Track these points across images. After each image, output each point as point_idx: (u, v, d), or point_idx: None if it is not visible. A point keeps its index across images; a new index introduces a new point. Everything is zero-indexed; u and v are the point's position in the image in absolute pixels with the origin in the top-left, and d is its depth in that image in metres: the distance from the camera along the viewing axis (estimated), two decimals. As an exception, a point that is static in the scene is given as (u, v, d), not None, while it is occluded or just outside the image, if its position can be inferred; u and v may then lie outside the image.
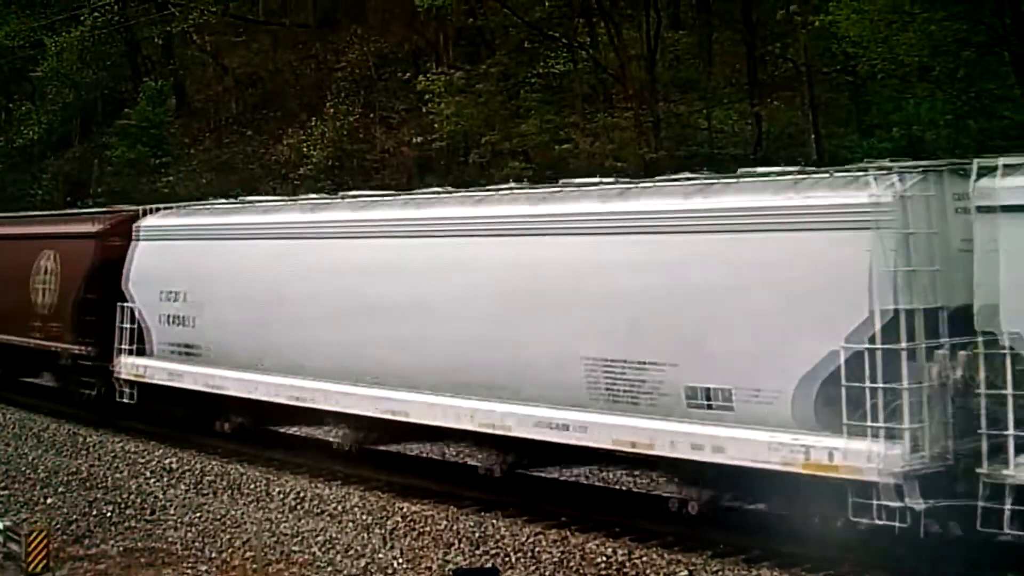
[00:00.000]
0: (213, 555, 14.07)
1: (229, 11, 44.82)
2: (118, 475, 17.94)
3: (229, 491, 16.56)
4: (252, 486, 16.60)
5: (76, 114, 48.27)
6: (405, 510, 14.77)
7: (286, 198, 21.70)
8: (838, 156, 23.74)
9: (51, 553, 13.79)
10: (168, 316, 19.26)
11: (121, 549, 14.66)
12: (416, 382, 14.86)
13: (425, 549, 13.48)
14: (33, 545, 13.66)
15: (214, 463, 18.06)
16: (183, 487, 16.99)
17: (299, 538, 14.21)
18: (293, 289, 16.89)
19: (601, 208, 13.67)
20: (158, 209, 21.24)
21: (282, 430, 19.53)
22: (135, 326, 19.75)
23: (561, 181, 15.20)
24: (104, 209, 24.31)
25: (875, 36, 22.70)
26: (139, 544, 14.77)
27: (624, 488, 16.25)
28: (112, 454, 19.25)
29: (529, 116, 31.23)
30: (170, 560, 14.10)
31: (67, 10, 45.33)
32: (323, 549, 13.79)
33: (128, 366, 19.78)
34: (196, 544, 14.49)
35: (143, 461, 18.60)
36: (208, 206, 21.41)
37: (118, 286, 20.11)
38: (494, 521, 14.13)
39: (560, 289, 13.56)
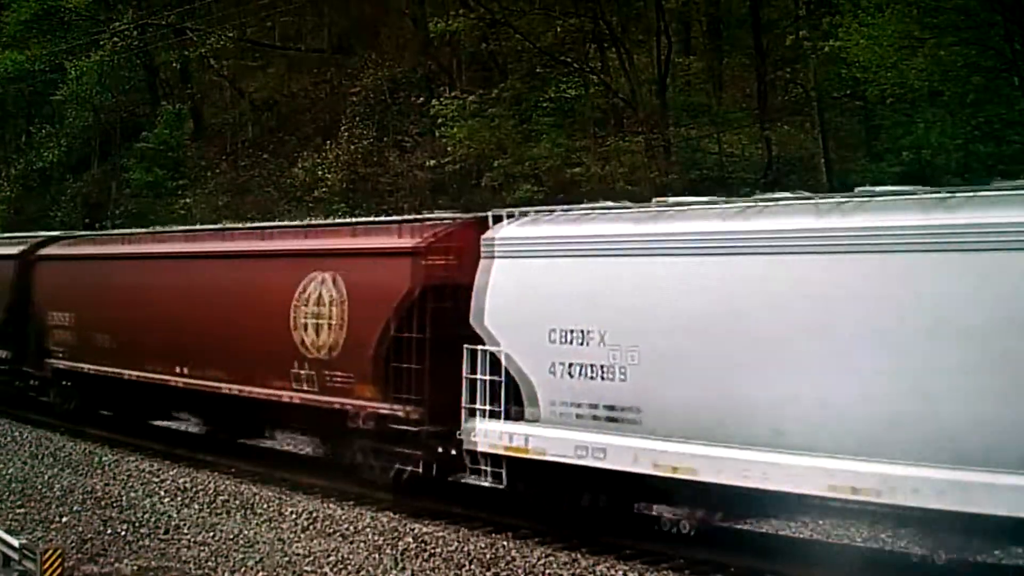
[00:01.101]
0: (226, 574, 14.18)
1: (245, 36, 45.27)
2: (133, 494, 18.07)
3: (242, 511, 16.68)
4: (265, 506, 16.72)
5: (95, 137, 48.71)
6: (416, 531, 14.86)
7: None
8: (848, 181, 23.87)
9: (65, 572, 13.90)
10: (568, 365, 13.46)
11: (135, 568, 14.77)
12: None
13: (436, 570, 13.56)
14: (48, 563, 13.78)
15: (227, 483, 18.19)
16: (196, 506, 17.12)
17: (311, 558, 14.32)
18: (773, 324, 11.76)
19: None
20: (516, 214, 15.06)
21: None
22: (500, 378, 14.13)
23: None
24: (416, 216, 18.33)
25: (884, 61, 22.85)
26: (153, 563, 14.89)
27: (636, 511, 16.33)
28: (127, 473, 19.39)
29: (541, 140, 31.47)
30: (183, 579, 14.24)
31: (87, 35, 45.83)
32: (335, 570, 13.89)
33: (490, 434, 14.14)
34: (209, 563, 14.60)
35: (157, 480, 18.74)
36: (618, 210, 14.39)
37: (453, 321, 14.64)
38: (505, 543, 14.19)
39: None
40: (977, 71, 22.78)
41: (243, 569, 14.24)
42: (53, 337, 23.62)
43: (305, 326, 16.82)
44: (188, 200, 39.61)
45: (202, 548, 15.15)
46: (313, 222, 21.15)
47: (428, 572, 13.53)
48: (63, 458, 21.00)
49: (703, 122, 31.48)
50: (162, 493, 18.04)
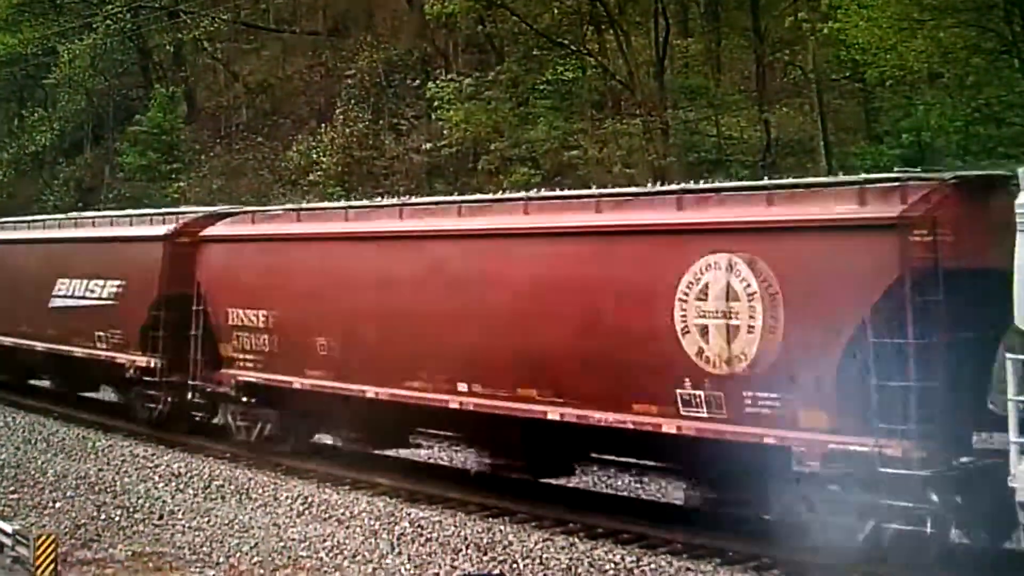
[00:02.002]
0: (221, 560, 14.06)
1: (239, 19, 45.04)
2: (127, 479, 17.96)
3: (237, 496, 16.58)
4: (260, 491, 16.63)
5: (88, 120, 48.51)
6: (413, 515, 14.79)
7: None
8: (847, 163, 23.77)
9: (59, 557, 13.79)
10: None
11: (129, 553, 14.63)
12: None
13: (432, 555, 13.48)
14: (41, 549, 13.66)
15: (222, 468, 18.10)
16: (191, 491, 17.02)
17: (307, 543, 14.22)
18: None
19: None
20: None
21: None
22: None
23: None
24: (877, 177, 12.38)
25: (884, 43, 22.71)
26: (147, 548, 14.75)
27: (632, 495, 16.25)
28: (121, 458, 19.28)
29: (538, 123, 31.33)
30: (178, 565, 14.08)
31: (80, 18, 45.58)
32: (330, 554, 13.80)
33: None
34: (204, 549, 14.48)
35: (152, 465, 18.63)
36: None
37: (964, 319, 11.06)
38: (502, 527, 14.14)
39: None
40: (977, 53, 22.67)
41: (238, 554, 14.13)
42: (235, 342, 18.31)
43: (703, 330, 12.34)
44: (182, 183, 39.43)
45: (197, 533, 15.05)
46: (688, 186, 13.94)
47: (424, 557, 13.44)
48: (56, 443, 20.89)
49: (701, 104, 31.34)
50: (156, 478, 17.94)
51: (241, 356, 18.17)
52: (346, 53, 41.97)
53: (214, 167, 41.80)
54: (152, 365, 20.05)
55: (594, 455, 16.34)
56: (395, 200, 19.10)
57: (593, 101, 33.01)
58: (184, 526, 15.42)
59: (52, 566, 13.53)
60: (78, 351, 22.09)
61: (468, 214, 15.36)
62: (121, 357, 20.84)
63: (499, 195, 16.59)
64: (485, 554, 13.32)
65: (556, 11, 32.01)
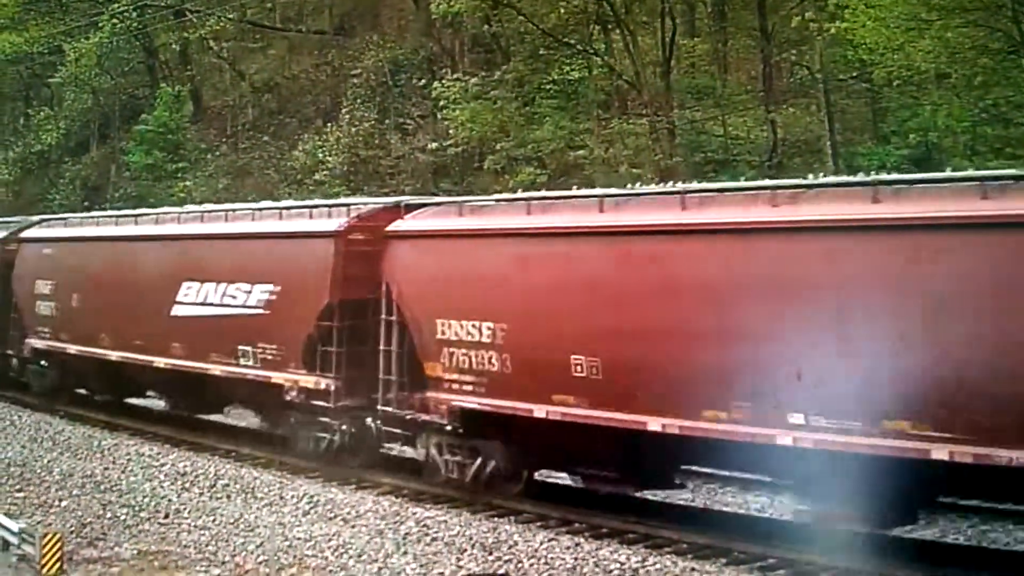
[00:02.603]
0: (226, 559, 14.06)
1: (246, 18, 45.05)
2: (132, 478, 17.96)
3: (243, 495, 16.57)
4: (266, 490, 16.61)
5: (94, 119, 48.54)
6: (418, 515, 14.76)
7: None
8: (854, 163, 23.72)
9: (65, 556, 13.80)
10: None
11: (135, 552, 14.64)
12: None
13: (438, 555, 13.46)
14: (47, 547, 13.68)
15: (228, 467, 18.07)
16: (197, 490, 17.01)
17: (312, 543, 14.21)
18: None
19: None
20: None
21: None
22: None
23: None
24: None
25: (891, 43, 22.69)
26: (153, 547, 14.76)
27: (639, 495, 16.22)
28: (127, 457, 19.27)
29: (544, 122, 31.30)
30: (183, 563, 14.09)
31: (86, 17, 45.60)
32: (336, 554, 13.78)
33: None
34: (209, 548, 14.48)
35: (157, 464, 18.62)
36: None
37: None
38: (507, 527, 14.11)
39: None
40: (985, 53, 22.62)
41: (243, 553, 14.13)
42: (445, 360, 14.92)
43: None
44: (188, 183, 39.43)
45: (202, 532, 15.05)
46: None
47: (430, 556, 13.42)
48: (62, 442, 20.88)
49: (708, 104, 31.31)
50: (162, 477, 17.93)
51: (456, 377, 14.72)
52: (352, 52, 41.98)
53: (220, 166, 41.81)
54: (323, 387, 16.49)
55: None
56: (673, 185, 15.36)
57: (599, 101, 32.98)
58: (190, 525, 15.42)
59: (58, 564, 13.55)
60: (214, 369, 18.47)
61: (785, 202, 12.20)
62: (277, 377, 17.19)
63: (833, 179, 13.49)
64: (490, 554, 13.29)
65: (562, 10, 31.99)
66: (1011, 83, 23.20)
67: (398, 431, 15.84)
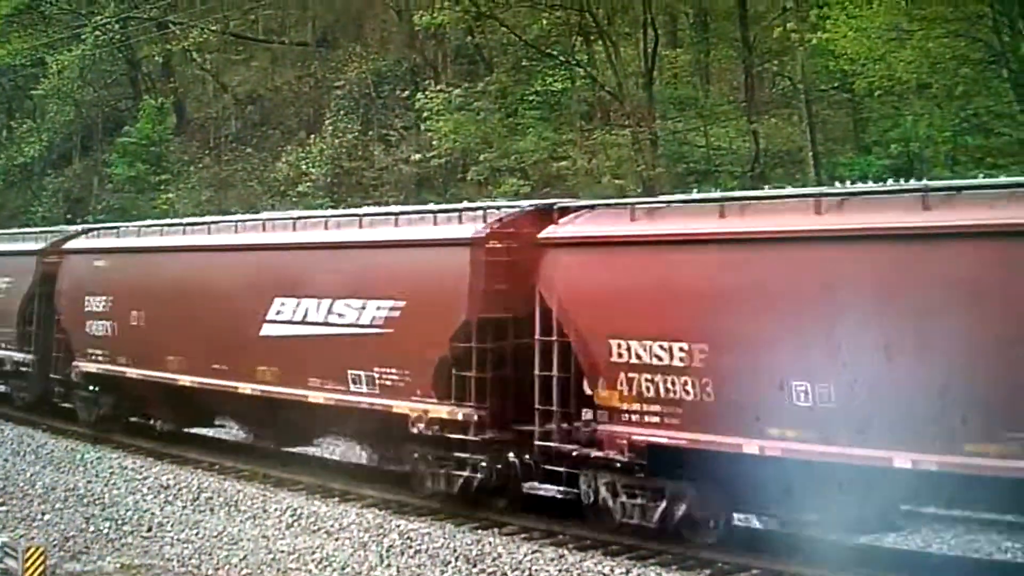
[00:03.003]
0: (209, 572, 14.01)
1: (228, 30, 45.02)
2: (115, 491, 17.88)
3: (226, 508, 16.51)
4: (249, 503, 16.56)
5: (77, 132, 48.39)
6: (402, 527, 14.73)
7: None
8: (836, 174, 23.82)
9: (48, 569, 13.72)
10: None
11: (118, 566, 14.59)
12: None
13: (422, 567, 13.44)
14: (30, 562, 13.60)
15: (211, 480, 18.01)
16: (180, 504, 16.95)
17: (295, 555, 14.17)
18: None
19: None
20: None
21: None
22: None
23: None
24: None
25: (872, 53, 22.80)
26: (136, 561, 14.70)
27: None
28: (109, 470, 19.19)
29: (527, 133, 31.36)
30: (166, 577, 14.09)
31: (69, 29, 45.50)
32: (319, 567, 13.75)
33: None
34: (192, 561, 14.43)
35: (140, 477, 18.55)
36: None
37: None
38: (491, 539, 14.08)
39: None
40: (965, 63, 22.76)
41: (227, 566, 14.08)
42: (623, 388, 12.99)
43: None
44: (171, 195, 39.33)
45: (185, 546, 14.99)
46: None
47: (414, 569, 13.40)
48: (45, 455, 20.78)
49: (690, 115, 31.42)
50: (145, 490, 17.86)
51: (638, 408, 12.82)
52: (335, 64, 41.99)
53: (203, 178, 41.71)
54: (462, 418, 14.44)
55: None
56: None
57: (582, 112, 33.06)
58: (173, 538, 15.36)
59: (40, 579, 13.48)
60: (315, 396, 16.27)
61: None
62: (400, 406, 15.13)
63: None
64: (474, 566, 13.27)
65: (545, 22, 32.09)
66: (992, 93, 23.36)
67: (560, 468, 13.88)
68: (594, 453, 13.30)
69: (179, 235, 19.91)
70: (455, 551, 13.73)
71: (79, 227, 25.11)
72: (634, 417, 12.89)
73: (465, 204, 16.13)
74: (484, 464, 14.55)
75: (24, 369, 23.36)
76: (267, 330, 16.88)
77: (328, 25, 45.24)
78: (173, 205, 37.47)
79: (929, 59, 22.32)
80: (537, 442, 13.86)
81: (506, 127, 31.96)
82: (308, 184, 35.61)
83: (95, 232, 23.29)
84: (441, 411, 14.64)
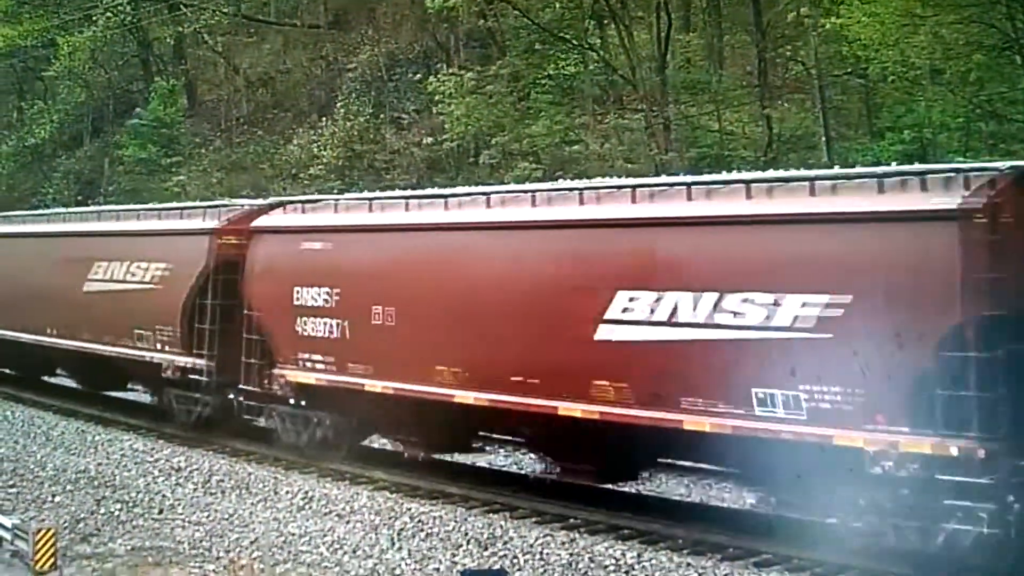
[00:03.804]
0: (220, 554, 14.04)
1: (240, 12, 44.97)
2: (126, 474, 17.94)
3: (237, 490, 16.55)
4: (260, 486, 16.59)
5: (88, 113, 48.45)
6: (413, 510, 14.75)
7: None
8: (849, 159, 23.72)
9: (59, 551, 13.77)
10: None
11: (129, 548, 14.62)
12: None
13: (433, 550, 13.46)
14: (41, 543, 13.65)
15: (222, 462, 18.06)
16: (191, 486, 16.99)
17: (307, 538, 14.20)
18: None
19: None
20: None
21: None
22: None
23: None
24: None
25: (886, 39, 22.70)
26: (147, 543, 14.73)
27: (633, 491, 16.22)
28: (120, 452, 19.25)
29: (539, 117, 31.29)
30: (177, 559, 14.07)
31: (80, 10, 45.50)
32: (331, 549, 13.78)
33: None
34: (204, 543, 14.46)
35: (151, 460, 18.60)
36: None
37: None
38: (503, 523, 14.09)
39: None
40: (979, 49, 22.66)
41: (238, 549, 14.11)
42: None
43: None
44: (182, 177, 39.36)
45: (197, 528, 15.03)
46: None
47: (425, 552, 13.42)
48: (56, 437, 20.85)
49: (703, 100, 31.28)
50: (156, 473, 17.91)
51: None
52: (347, 47, 41.94)
53: (214, 160, 41.74)
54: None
55: None
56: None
57: (594, 96, 32.97)
58: (184, 521, 15.39)
59: (51, 560, 13.52)
60: (690, 421, 12.15)
61: None
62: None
63: None
64: (486, 549, 13.29)
65: (558, 5, 31.99)
66: (1005, 79, 23.24)
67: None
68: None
69: (450, 209, 15.17)
70: (466, 534, 13.75)
71: (269, 199, 20.92)
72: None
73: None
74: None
75: (195, 377, 18.76)
76: (604, 333, 12.73)
77: (341, 7, 45.17)
78: (184, 188, 37.51)
79: (943, 45, 22.23)
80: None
81: (518, 111, 31.93)
82: (320, 167, 35.60)
83: (301, 206, 18.15)
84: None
